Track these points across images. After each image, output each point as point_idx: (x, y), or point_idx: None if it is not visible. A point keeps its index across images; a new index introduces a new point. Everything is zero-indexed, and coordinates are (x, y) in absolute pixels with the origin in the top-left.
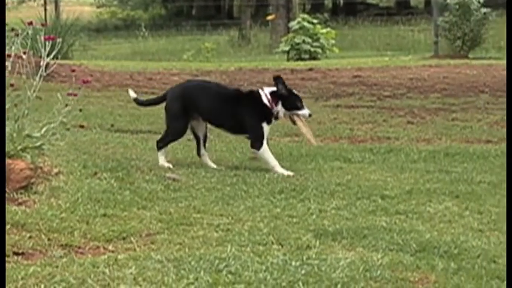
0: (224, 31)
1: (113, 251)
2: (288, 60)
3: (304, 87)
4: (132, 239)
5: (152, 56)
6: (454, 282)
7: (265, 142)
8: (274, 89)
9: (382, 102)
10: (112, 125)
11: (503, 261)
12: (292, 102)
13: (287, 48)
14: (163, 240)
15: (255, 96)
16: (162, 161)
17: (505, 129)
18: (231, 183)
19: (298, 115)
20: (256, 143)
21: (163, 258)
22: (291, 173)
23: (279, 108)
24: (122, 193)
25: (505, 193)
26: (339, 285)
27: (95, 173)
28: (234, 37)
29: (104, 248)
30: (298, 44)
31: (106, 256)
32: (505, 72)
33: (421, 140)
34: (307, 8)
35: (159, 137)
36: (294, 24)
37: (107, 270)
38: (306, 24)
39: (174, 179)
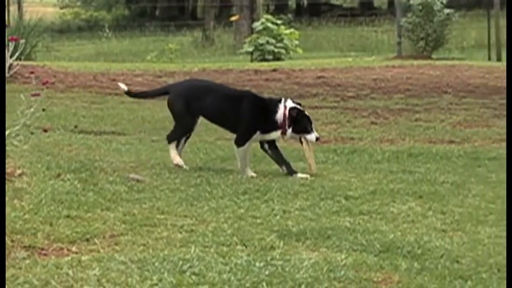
0: (188, 32)
1: (76, 253)
2: (251, 61)
3: (268, 88)
4: (95, 240)
5: (116, 57)
6: (417, 282)
7: (247, 144)
8: (295, 105)
9: (345, 102)
10: (75, 126)
11: (466, 261)
12: (302, 125)
13: (251, 49)
14: (127, 241)
15: (272, 104)
16: (173, 154)
17: (468, 130)
18: (195, 184)
19: (305, 139)
20: (240, 141)
21: (127, 259)
22: (254, 174)
23: (288, 129)
24: (86, 194)
25: (467, 193)
26: (302, 286)
27: (59, 175)
28: (198, 38)
29: (68, 249)
30: (262, 44)
31: (69, 257)
32: (468, 73)
33: (384, 140)
34: (271, 9)
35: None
36: (257, 25)
37: (70, 272)
38: (269, 25)
39: (137, 180)
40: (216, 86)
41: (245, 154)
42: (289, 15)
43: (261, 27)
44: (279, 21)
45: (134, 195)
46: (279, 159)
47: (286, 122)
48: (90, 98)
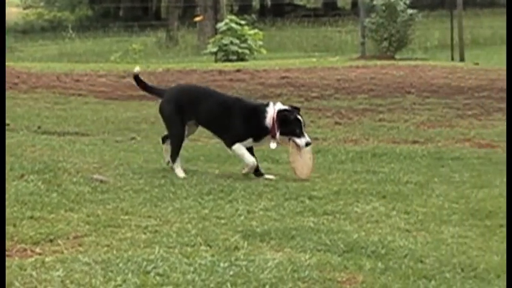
0: (151, 32)
1: (40, 254)
2: (215, 61)
3: (232, 88)
4: (59, 241)
5: (79, 57)
6: (381, 282)
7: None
8: (286, 107)
9: (309, 103)
10: (39, 127)
11: (429, 260)
12: (290, 128)
13: (215, 50)
14: (91, 242)
15: (259, 110)
16: (178, 172)
17: (431, 130)
18: (159, 185)
19: (295, 142)
20: (229, 140)
21: (91, 260)
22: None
23: (277, 132)
24: (49, 195)
25: (431, 193)
26: (267, 286)
27: (22, 175)
28: (162, 38)
29: (31, 250)
30: (225, 45)
31: (33, 259)
32: (431, 73)
33: (348, 140)
34: (235, 9)
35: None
36: (221, 26)
37: (34, 273)
38: (233, 25)
39: (101, 181)
40: (207, 91)
41: (241, 148)
42: (253, 16)
43: (224, 28)
44: (242, 22)
45: (98, 196)
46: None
47: (275, 126)
48: (53, 99)
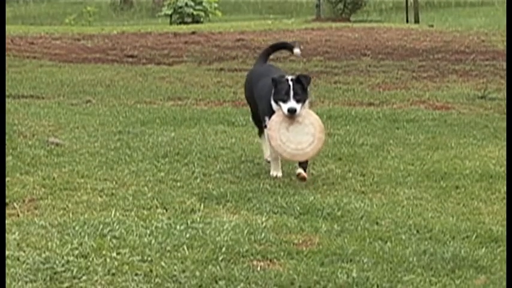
0: None
1: None
2: (170, 23)
3: (188, 51)
4: (15, 204)
5: (34, 20)
6: (337, 244)
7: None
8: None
9: None
10: None
11: (385, 222)
12: (277, 91)
13: (170, 12)
14: (47, 205)
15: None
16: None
17: (386, 92)
18: (115, 148)
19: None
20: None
21: (47, 223)
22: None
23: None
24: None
25: (386, 155)
26: (223, 249)
27: None
28: (116, 1)
29: None
30: (180, 7)
31: None
32: (386, 35)
33: None
34: None
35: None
36: None
37: None
38: None
39: (57, 144)
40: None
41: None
42: None
43: None
44: None
45: (54, 159)
46: None
47: None
48: (8, 62)
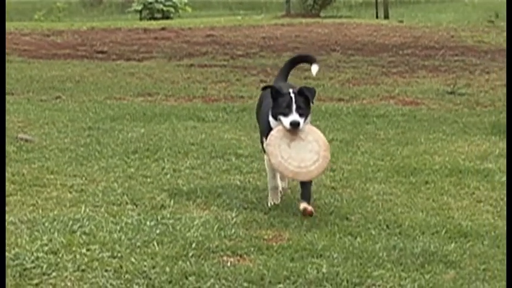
0: None
1: None
2: (140, 19)
3: (158, 46)
4: None
5: None
6: (307, 239)
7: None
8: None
9: (235, 61)
10: None
11: (355, 217)
12: (277, 104)
13: (139, 8)
14: (16, 201)
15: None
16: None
17: (356, 87)
18: (85, 144)
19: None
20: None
21: (16, 219)
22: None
23: None
24: None
25: (356, 150)
26: (193, 244)
27: None
28: None
29: None
30: (150, 3)
31: None
32: (356, 30)
33: None
34: None
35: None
36: None
37: None
38: None
39: (26, 140)
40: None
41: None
42: None
43: None
44: None
45: (23, 155)
46: None
47: None
48: None
